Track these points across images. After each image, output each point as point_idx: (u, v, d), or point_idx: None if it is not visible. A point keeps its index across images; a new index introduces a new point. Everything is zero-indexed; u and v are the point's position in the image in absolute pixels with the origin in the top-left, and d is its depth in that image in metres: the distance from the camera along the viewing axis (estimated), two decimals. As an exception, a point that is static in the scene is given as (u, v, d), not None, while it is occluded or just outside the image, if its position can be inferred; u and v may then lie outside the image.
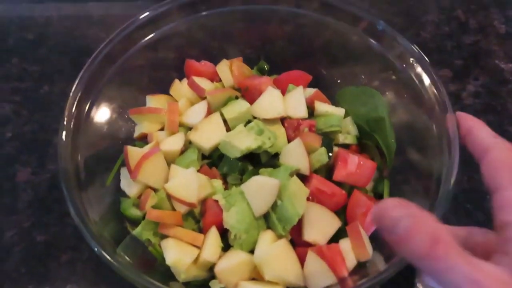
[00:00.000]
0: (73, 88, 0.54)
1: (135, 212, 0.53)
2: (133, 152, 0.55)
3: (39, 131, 0.73)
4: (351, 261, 0.50)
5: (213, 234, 0.51)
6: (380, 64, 0.60)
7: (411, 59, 0.56)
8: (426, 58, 0.55)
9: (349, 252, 0.50)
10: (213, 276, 0.51)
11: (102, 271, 0.59)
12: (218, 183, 0.53)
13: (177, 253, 0.49)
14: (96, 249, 0.45)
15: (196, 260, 0.51)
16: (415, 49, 0.56)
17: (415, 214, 0.32)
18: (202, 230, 0.53)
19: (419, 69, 0.55)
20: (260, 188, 0.50)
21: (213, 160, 0.57)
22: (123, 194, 0.56)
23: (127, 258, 0.48)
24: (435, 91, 0.53)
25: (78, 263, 0.61)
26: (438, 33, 0.85)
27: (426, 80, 0.54)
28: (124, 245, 0.51)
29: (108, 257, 0.45)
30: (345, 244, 0.50)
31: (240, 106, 0.57)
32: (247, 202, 0.51)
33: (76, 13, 0.88)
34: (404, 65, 0.57)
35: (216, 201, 0.52)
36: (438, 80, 0.53)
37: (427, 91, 0.54)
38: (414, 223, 0.32)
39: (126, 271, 0.44)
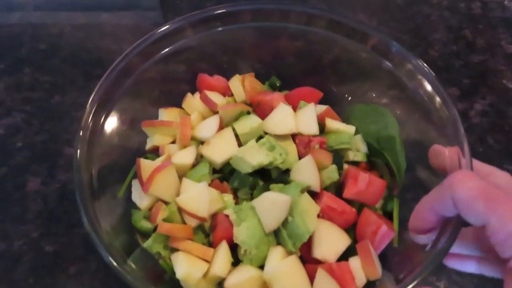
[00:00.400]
0: (90, 100, 0.54)
1: (146, 225, 0.54)
2: (146, 165, 0.55)
3: (50, 141, 0.73)
4: (360, 279, 0.50)
5: (224, 249, 0.52)
6: (389, 81, 0.61)
7: (421, 77, 0.57)
8: (436, 76, 0.56)
9: (358, 270, 0.50)
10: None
11: (111, 283, 0.60)
12: (229, 197, 0.54)
13: (187, 267, 0.49)
14: (107, 259, 0.45)
15: (205, 274, 0.51)
16: (425, 67, 0.56)
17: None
18: (212, 245, 0.53)
19: (429, 87, 0.56)
20: (271, 204, 0.50)
21: (224, 175, 0.58)
22: (134, 206, 0.56)
23: (137, 270, 0.48)
24: (446, 110, 0.53)
25: (86, 274, 0.61)
26: (446, 51, 0.86)
27: (437, 99, 0.55)
28: (134, 257, 0.51)
29: (119, 267, 0.45)
30: (355, 262, 0.50)
31: (251, 122, 0.57)
32: (258, 217, 0.51)
33: (89, 24, 0.90)
34: (414, 83, 0.58)
35: (227, 216, 0.52)
36: (448, 99, 0.54)
37: (437, 110, 0.55)
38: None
39: (136, 282, 0.44)
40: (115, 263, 0.45)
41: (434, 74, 0.56)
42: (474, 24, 0.90)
